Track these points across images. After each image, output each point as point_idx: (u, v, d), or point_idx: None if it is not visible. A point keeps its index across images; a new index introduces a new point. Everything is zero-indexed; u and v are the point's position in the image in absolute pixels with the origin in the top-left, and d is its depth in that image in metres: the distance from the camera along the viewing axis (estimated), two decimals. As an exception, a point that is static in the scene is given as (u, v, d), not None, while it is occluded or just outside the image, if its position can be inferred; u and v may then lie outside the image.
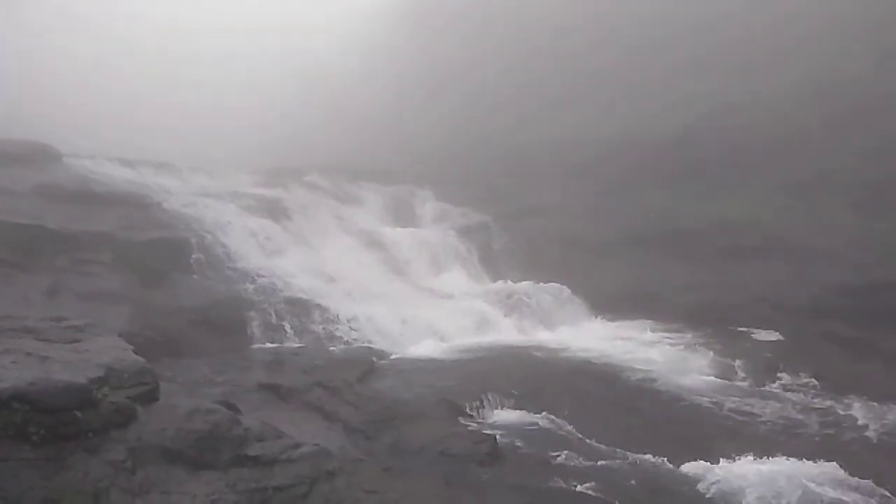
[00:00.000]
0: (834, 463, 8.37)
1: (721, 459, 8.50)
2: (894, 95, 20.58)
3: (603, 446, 8.99)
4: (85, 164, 19.94)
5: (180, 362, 11.44)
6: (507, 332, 16.09)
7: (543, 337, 16.01)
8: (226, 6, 54.81)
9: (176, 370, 10.69)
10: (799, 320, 16.11)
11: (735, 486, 7.81)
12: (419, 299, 17.28)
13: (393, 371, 12.29)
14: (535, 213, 23.99)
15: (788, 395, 11.78)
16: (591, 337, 15.92)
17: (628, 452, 8.74)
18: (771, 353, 14.17)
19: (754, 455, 8.63)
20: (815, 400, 11.39)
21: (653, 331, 16.29)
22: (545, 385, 11.47)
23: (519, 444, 8.91)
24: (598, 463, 8.39)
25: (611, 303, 18.22)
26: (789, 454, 8.67)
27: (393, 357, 13.43)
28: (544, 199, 24.55)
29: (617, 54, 32.00)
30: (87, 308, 11.42)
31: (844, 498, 7.65)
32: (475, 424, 9.70)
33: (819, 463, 8.41)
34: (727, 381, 12.39)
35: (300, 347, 13.42)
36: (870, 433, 9.88)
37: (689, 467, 8.34)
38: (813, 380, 12.30)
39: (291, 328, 14.06)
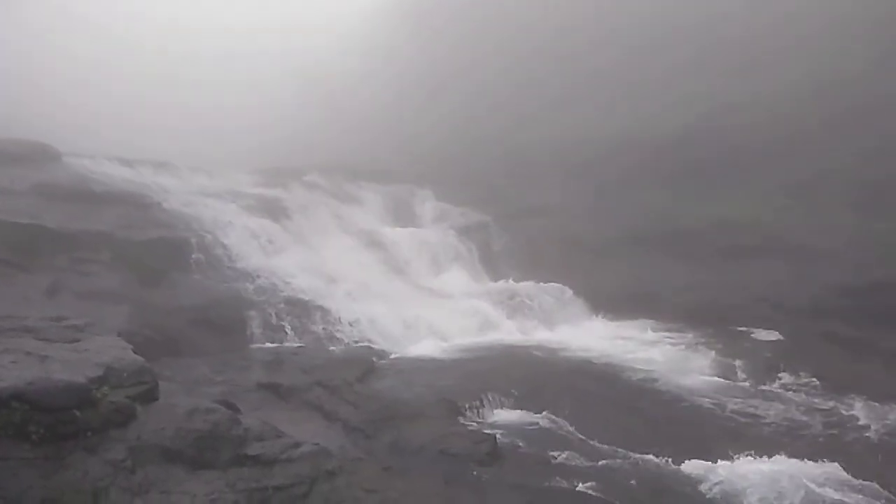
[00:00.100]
0: (836, 464, 8.35)
1: (722, 459, 8.49)
2: (894, 95, 20.57)
3: (603, 446, 8.98)
4: (84, 164, 19.91)
5: (180, 362, 11.42)
6: (507, 332, 16.08)
7: (543, 336, 15.99)
8: (226, 6, 54.81)
9: (175, 369, 10.67)
10: (799, 320, 16.10)
11: (737, 486, 7.80)
12: (419, 299, 17.27)
13: (393, 371, 12.28)
14: (535, 212, 23.98)
15: (789, 394, 11.76)
16: (591, 336, 15.91)
17: (629, 452, 8.73)
18: (771, 352, 14.16)
19: (756, 455, 8.62)
20: (817, 400, 11.36)
21: (653, 330, 16.29)
22: (545, 385, 11.46)
23: (519, 443, 8.91)
24: (599, 463, 8.38)
25: (611, 302, 18.20)
26: (791, 454, 8.66)
27: (393, 357, 13.42)
28: (544, 199, 24.54)
29: (617, 54, 31.99)
30: (87, 307, 11.40)
31: (847, 500, 7.64)
32: (475, 424, 9.70)
33: (821, 463, 8.40)
34: (728, 381, 12.38)
35: (300, 347, 13.40)
36: (872, 433, 9.86)
37: (691, 467, 8.33)
38: (814, 380, 12.28)
39: (291, 328, 14.04)
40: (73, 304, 11.88)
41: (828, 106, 21.88)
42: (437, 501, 6.57)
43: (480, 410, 10.29)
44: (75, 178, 17.82)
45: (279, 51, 48.39)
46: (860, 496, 7.75)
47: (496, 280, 20.28)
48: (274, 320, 14.04)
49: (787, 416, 10.54)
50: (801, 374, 12.56)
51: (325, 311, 14.67)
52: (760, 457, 8.59)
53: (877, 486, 7.91)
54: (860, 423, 10.29)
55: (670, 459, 8.51)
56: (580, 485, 7.63)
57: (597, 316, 18.06)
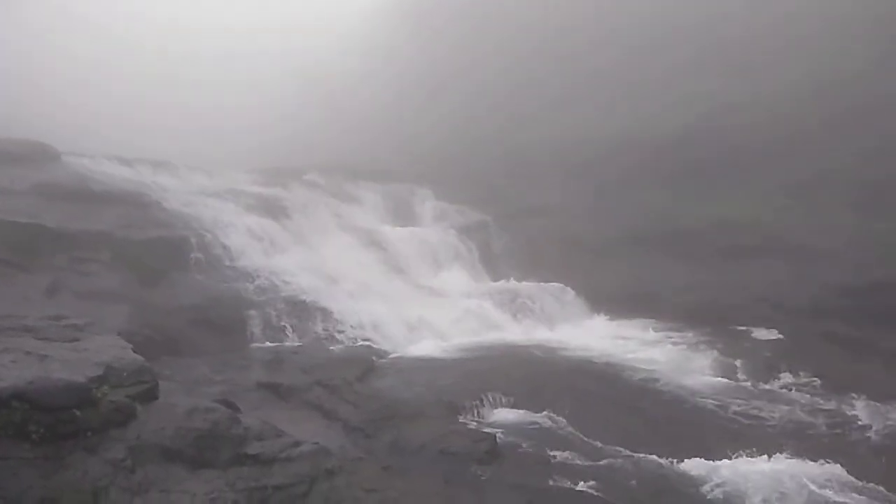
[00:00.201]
0: (838, 465, 8.35)
1: (723, 459, 8.49)
2: (894, 95, 20.56)
3: (604, 445, 8.98)
4: (83, 163, 19.91)
5: (179, 361, 11.42)
6: (507, 332, 16.06)
7: (544, 336, 15.96)
8: (226, 6, 54.82)
9: (175, 369, 10.67)
10: (799, 320, 16.09)
11: (738, 486, 7.80)
12: (419, 298, 17.26)
13: (393, 370, 12.28)
14: (535, 212, 23.97)
15: (790, 394, 11.74)
16: (591, 336, 15.90)
17: (629, 451, 8.73)
18: (771, 352, 14.15)
19: (757, 455, 8.62)
20: (817, 399, 11.34)
21: (654, 330, 16.28)
22: (545, 384, 11.45)
23: (519, 442, 8.91)
24: (599, 462, 8.38)
25: (611, 302, 18.20)
26: (792, 454, 8.66)
27: (393, 356, 13.42)
28: (544, 199, 24.53)
29: (617, 54, 31.97)
30: (86, 307, 11.40)
31: (850, 502, 7.63)
32: (475, 423, 9.70)
33: (823, 464, 8.40)
34: (728, 381, 12.36)
35: (300, 346, 13.40)
36: (873, 434, 9.84)
37: (692, 467, 8.32)
38: (814, 379, 12.27)
39: (291, 327, 14.04)
40: (72, 303, 11.88)
41: (828, 106, 21.87)
42: (437, 501, 6.57)
43: (480, 410, 10.29)
44: (75, 178, 17.81)
45: (279, 51, 48.39)
46: (863, 498, 7.74)
47: (496, 280, 20.27)
48: (274, 320, 14.04)
49: (788, 415, 10.52)
50: (802, 373, 12.55)
51: (324, 311, 14.67)
52: (761, 457, 8.59)
53: (882, 489, 7.90)
54: (861, 423, 10.27)
55: (671, 459, 8.51)
56: (580, 484, 7.63)
57: (597, 315, 18.06)
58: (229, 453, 6.16)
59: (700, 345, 14.59)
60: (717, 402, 10.99)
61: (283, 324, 14.05)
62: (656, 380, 11.99)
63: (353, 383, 10.61)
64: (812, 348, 14.33)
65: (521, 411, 10.24)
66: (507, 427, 9.54)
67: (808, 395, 11.59)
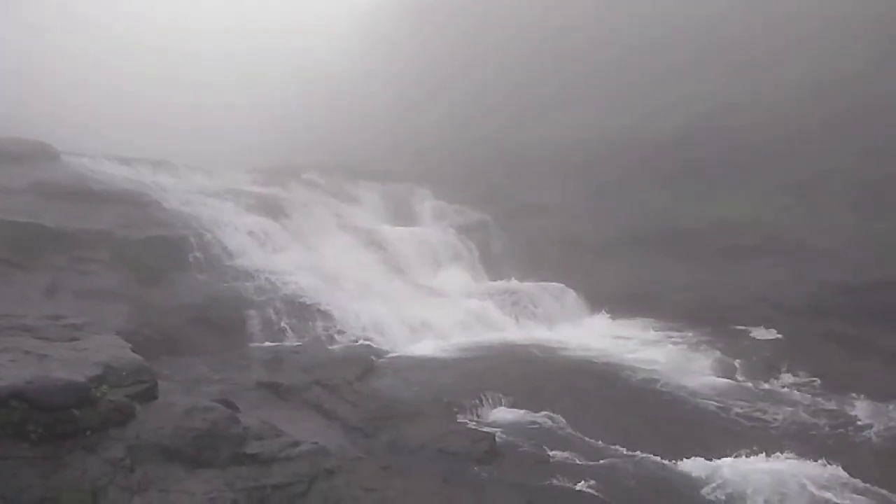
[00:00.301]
0: (839, 465, 8.36)
1: (723, 459, 8.49)
2: (894, 95, 20.56)
3: (603, 445, 8.98)
4: (83, 162, 19.91)
5: (179, 361, 11.41)
6: (506, 331, 16.06)
7: (543, 336, 15.96)
8: (226, 6, 54.85)
9: (174, 368, 10.67)
10: (799, 319, 16.08)
11: (739, 486, 7.80)
12: (418, 298, 17.26)
13: (392, 370, 12.27)
14: (534, 212, 23.98)
15: (790, 394, 11.75)
16: (591, 336, 15.90)
17: (629, 451, 8.73)
18: (771, 352, 14.16)
19: (757, 455, 8.63)
20: (817, 399, 11.35)
21: (654, 329, 16.28)
22: (545, 384, 11.44)
23: (518, 442, 8.90)
24: (598, 462, 8.37)
25: (611, 302, 18.20)
26: (793, 454, 8.68)
27: (392, 355, 13.40)
28: (544, 199, 24.54)
29: (617, 54, 31.98)
30: (86, 306, 11.40)
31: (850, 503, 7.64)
32: (474, 423, 9.69)
33: (824, 464, 8.40)
34: (728, 380, 12.36)
35: (299, 346, 13.39)
36: (874, 434, 9.83)
37: (692, 467, 8.32)
38: (814, 379, 12.28)
39: (290, 327, 14.04)
40: (71, 302, 11.88)
41: (828, 106, 21.87)
42: (436, 500, 6.57)
43: (479, 409, 10.28)
44: (74, 177, 17.81)
45: (279, 51, 48.43)
46: (863, 499, 7.74)
47: (496, 279, 20.26)
48: (273, 319, 14.03)
49: (788, 415, 10.52)
50: (802, 373, 12.57)
51: (324, 311, 14.65)
52: (762, 456, 8.59)
53: (884, 491, 7.88)
54: (861, 423, 10.27)
55: (671, 459, 8.50)
56: (579, 484, 7.63)
57: (597, 315, 18.05)
58: (228, 453, 6.16)
59: (700, 344, 14.59)
60: (717, 402, 10.98)
61: (282, 323, 14.04)
62: (656, 380, 11.97)
63: (353, 383, 10.61)
64: (812, 348, 14.33)
65: (520, 411, 10.22)
66: (507, 427, 9.53)
67: (808, 395, 11.60)
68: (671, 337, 15.57)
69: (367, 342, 14.04)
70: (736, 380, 12.47)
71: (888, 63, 21.59)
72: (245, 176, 24.64)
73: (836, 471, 8.26)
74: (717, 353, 13.68)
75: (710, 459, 8.49)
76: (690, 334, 15.71)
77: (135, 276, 13.95)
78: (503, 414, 10.21)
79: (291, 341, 13.69)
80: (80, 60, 45.00)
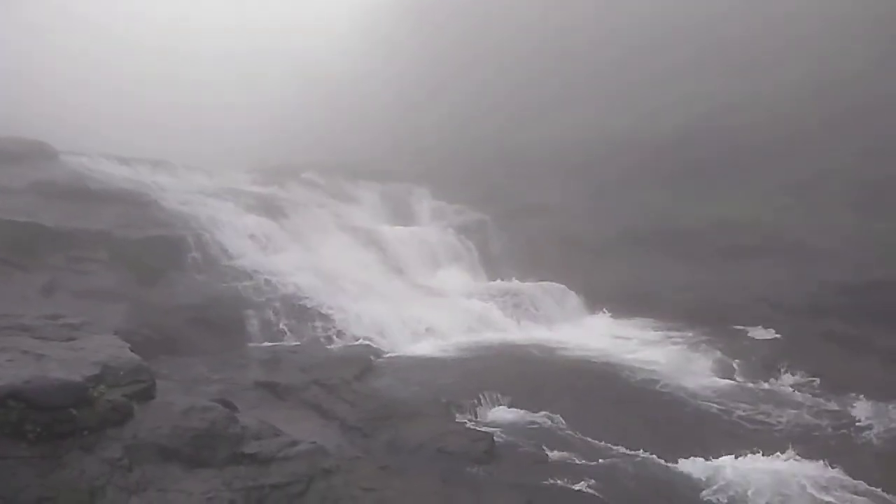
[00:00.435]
0: (839, 466, 8.35)
1: (723, 460, 8.48)
2: (894, 95, 20.57)
3: (602, 445, 8.96)
4: (81, 162, 19.90)
5: (177, 360, 11.40)
6: (505, 331, 16.05)
7: (542, 335, 15.95)
8: (226, 6, 54.84)
9: (172, 368, 10.64)
10: (798, 319, 16.08)
11: (739, 487, 7.79)
12: (417, 297, 17.25)
13: (390, 369, 12.26)
14: (534, 212, 23.98)
15: (790, 394, 11.72)
16: (590, 335, 15.89)
17: (628, 451, 8.72)
18: (770, 352, 14.14)
19: (756, 455, 8.61)
20: (817, 399, 11.32)
21: (653, 329, 16.28)
22: (544, 383, 11.43)
23: (517, 442, 8.89)
24: (598, 462, 8.36)
25: (610, 302, 18.20)
26: (794, 455, 8.65)
27: (391, 355, 13.39)
28: (544, 199, 24.55)
29: (617, 54, 31.99)
30: (84, 306, 11.38)
31: (850, 505, 7.64)
32: (473, 423, 9.68)
33: (824, 465, 8.39)
34: (727, 380, 12.34)
35: (298, 346, 13.39)
36: (874, 435, 9.79)
37: (691, 467, 8.31)
38: (814, 379, 12.25)
39: (289, 326, 14.03)
40: (70, 302, 11.86)
41: (828, 106, 21.88)
42: (435, 500, 6.56)
43: (478, 409, 10.27)
44: (73, 177, 17.79)
45: (279, 50, 48.42)
46: (864, 500, 7.73)
47: (495, 279, 20.24)
48: (272, 319, 14.03)
49: (788, 416, 10.49)
50: (801, 373, 12.54)
51: (323, 310, 14.65)
52: (762, 457, 8.58)
53: (884, 493, 7.86)
54: (862, 423, 10.23)
55: (670, 459, 8.49)
56: (578, 484, 7.61)
57: (596, 315, 18.05)
58: (226, 452, 6.15)
59: (700, 344, 14.56)
60: (716, 402, 10.96)
61: (281, 323, 14.04)
62: (656, 380, 11.94)
63: (351, 382, 10.60)
64: (811, 347, 14.32)
65: (519, 411, 10.22)
66: (505, 427, 9.52)
67: (808, 396, 11.57)
68: (671, 337, 15.56)
69: (366, 342, 14.04)
70: (735, 380, 12.44)
71: (888, 63, 21.59)
72: (244, 176, 24.64)
73: (837, 472, 8.25)
74: (717, 354, 13.65)
75: (710, 460, 8.48)
76: (690, 334, 15.71)
77: (133, 275, 13.94)
78: (502, 414, 10.20)
79: (290, 341, 13.68)
80: (80, 60, 44.97)
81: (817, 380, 12.20)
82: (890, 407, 10.66)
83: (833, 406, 10.95)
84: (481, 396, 10.52)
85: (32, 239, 13.68)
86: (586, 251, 21.21)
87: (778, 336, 15.48)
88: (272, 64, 47.67)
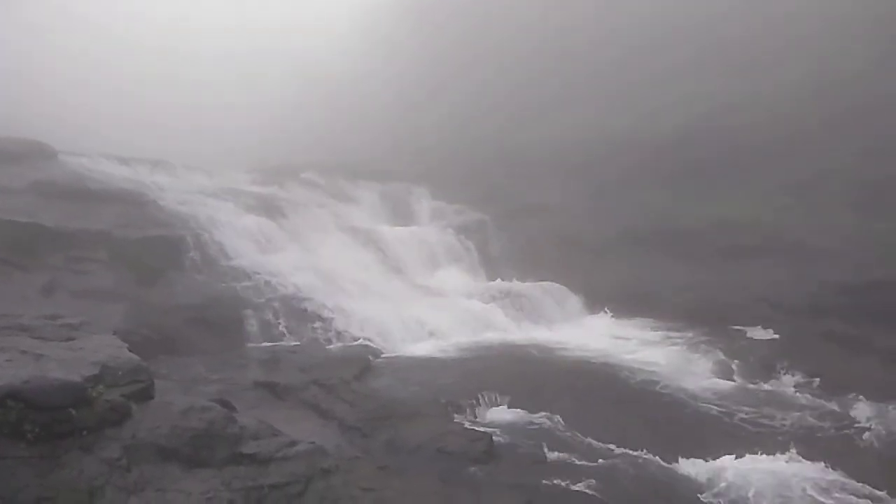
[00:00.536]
0: (839, 467, 8.35)
1: (724, 461, 8.47)
2: (894, 95, 20.57)
3: (601, 445, 8.95)
4: (81, 162, 19.92)
5: (176, 360, 11.41)
6: (505, 331, 16.03)
7: (541, 335, 15.95)
8: (226, 6, 54.86)
9: (171, 368, 10.66)
10: (798, 319, 16.06)
11: (740, 488, 7.78)
12: (416, 297, 17.25)
13: (390, 369, 12.26)
14: (533, 212, 23.97)
15: (790, 395, 11.70)
16: (590, 336, 15.87)
17: (627, 451, 8.70)
18: (770, 352, 14.11)
19: (757, 456, 8.60)
20: (817, 400, 11.28)
21: (653, 330, 16.27)
22: (543, 384, 11.42)
23: (516, 442, 8.88)
24: (597, 462, 8.35)
25: (610, 302, 18.20)
26: (795, 456, 8.65)
27: (390, 355, 13.40)
28: (543, 199, 24.54)
29: (617, 54, 31.99)
30: (83, 306, 11.39)
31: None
32: (472, 423, 9.67)
33: (824, 466, 8.39)
34: (727, 381, 12.33)
35: (297, 345, 13.40)
36: (874, 436, 9.77)
37: (691, 468, 8.31)
38: (813, 379, 12.21)
39: (288, 326, 14.04)
40: (69, 302, 11.87)
41: (828, 106, 21.88)
42: (434, 500, 6.55)
43: (477, 409, 10.27)
44: (72, 177, 17.81)
45: (279, 50, 48.43)
46: (864, 501, 7.73)
47: (494, 279, 20.23)
48: (271, 319, 14.04)
49: (788, 416, 10.46)
50: (801, 373, 12.51)
51: (321, 310, 14.65)
52: (761, 458, 8.58)
53: (885, 494, 7.86)
54: (862, 424, 10.21)
55: (670, 459, 8.48)
56: (577, 484, 7.61)
57: (596, 315, 18.04)
58: (225, 452, 6.15)
59: (699, 345, 14.55)
60: (716, 403, 10.95)
61: (279, 323, 14.05)
62: (655, 380, 11.93)
63: (350, 382, 10.59)
64: (810, 348, 14.29)
65: (518, 411, 10.21)
66: (505, 427, 9.51)
67: (808, 396, 11.54)
68: (670, 337, 15.55)
69: (365, 342, 14.04)
70: (735, 380, 12.42)
71: (888, 63, 21.60)
72: (244, 176, 24.65)
73: (838, 474, 8.24)
74: (717, 354, 13.64)
75: (710, 461, 8.47)
76: (690, 334, 15.69)
77: (132, 275, 13.95)
78: (501, 414, 10.20)
79: (289, 341, 13.69)
80: (80, 60, 44.99)
81: (817, 380, 12.17)
82: (890, 408, 10.63)
83: (833, 407, 10.93)
84: (480, 397, 10.52)
85: (32, 239, 13.69)
86: (586, 251, 21.20)
87: (777, 336, 15.47)
88: (272, 64, 47.69)
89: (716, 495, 7.70)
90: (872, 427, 10.02)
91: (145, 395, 6.48)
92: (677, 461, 8.46)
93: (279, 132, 41.43)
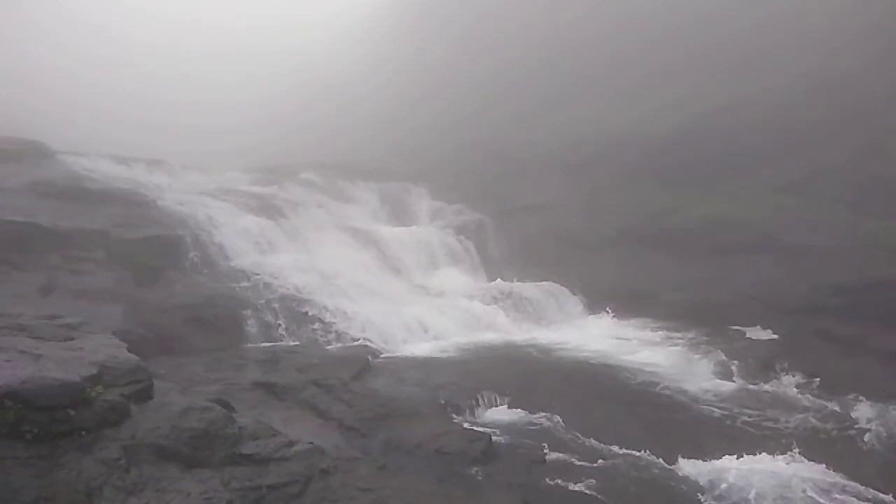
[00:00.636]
0: (839, 467, 8.37)
1: (724, 461, 8.48)
2: (889, 95, 20.61)
3: (600, 445, 8.95)
4: (78, 161, 19.89)
5: (174, 360, 11.41)
6: (503, 331, 16.06)
7: (539, 335, 15.97)
8: (226, 6, 54.86)
9: (170, 368, 10.64)
10: (793, 318, 16.07)
11: (740, 489, 7.80)
12: (415, 297, 17.27)
13: (388, 369, 12.26)
14: (531, 211, 23.98)
15: (789, 395, 11.68)
16: (588, 335, 15.89)
17: (626, 451, 8.71)
18: (767, 351, 14.12)
19: (759, 457, 8.62)
20: (818, 401, 11.27)
21: (650, 329, 16.29)
22: (541, 383, 11.44)
23: (514, 442, 8.90)
24: (596, 462, 8.36)
25: (608, 301, 18.21)
26: (795, 457, 8.67)
27: (388, 355, 13.40)
28: (541, 198, 24.55)
29: (614, 54, 32.02)
30: (81, 306, 11.39)
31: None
32: (470, 423, 9.68)
33: (824, 466, 8.41)
34: (726, 381, 12.32)
35: (295, 346, 13.39)
36: (874, 436, 9.77)
37: (692, 469, 8.31)
38: (813, 379, 12.19)
39: (286, 326, 14.04)
40: (67, 302, 11.85)
41: (823, 105, 21.92)
42: (432, 500, 6.55)
43: (476, 409, 10.28)
44: (69, 176, 17.80)
45: (278, 50, 48.45)
46: (864, 502, 7.75)
47: (493, 279, 20.24)
48: (269, 319, 14.04)
49: (788, 417, 10.45)
50: (800, 373, 12.50)
51: (320, 310, 14.65)
52: (763, 459, 8.59)
53: (886, 496, 7.88)
54: (863, 425, 10.20)
55: (670, 460, 8.49)
56: (576, 484, 7.62)
57: (594, 315, 18.06)
58: (224, 453, 6.14)
59: (697, 345, 14.55)
60: (716, 404, 10.95)
61: (278, 323, 14.05)
62: (656, 381, 11.93)
63: (349, 383, 10.60)
64: (807, 347, 14.30)
65: (517, 411, 10.22)
66: (504, 427, 9.52)
67: (808, 397, 11.52)
68: (669, 337, 15.55)
69: (364, 342, 14.03)
70: (734, 381, 12.41)
71: (886, 63, 21.64)
72: (242, 175, 24.65)
73: (839, 475, 8.26)
74: (717, 355, 13.59)
75: (711, 462, 8.48)
76: (688, 334, 15.70)
77: (131, 275, 13.93)
78: (500, 414, 10.20)
79: (288, 341, 13.69)
80: (81, 60, 44.98)
81: (817, 380, 12.15)
82: (891, 408, 10.63)
83: (834, 408, 10.92)
84: (480, 397, 10.53)
85: (30, 239, 13.67)
86: (584, 250, 21.22)
87: (775, 336, 15.49)
88: (271, 63, 47.68)
89: (717, 496, 7.71)
90: (873, 428, 10.02)
91: (144, 395, 6.48)
92: (678, 462, 8.47)
93: (277, 130, 41.43)
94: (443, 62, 40.34)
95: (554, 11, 36.56)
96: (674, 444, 9.05)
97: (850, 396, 11.20)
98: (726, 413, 10.58)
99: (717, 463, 8.45)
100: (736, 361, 13.24)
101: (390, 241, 20.62)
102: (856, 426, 10.21)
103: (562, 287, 18.69)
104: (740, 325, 16.33)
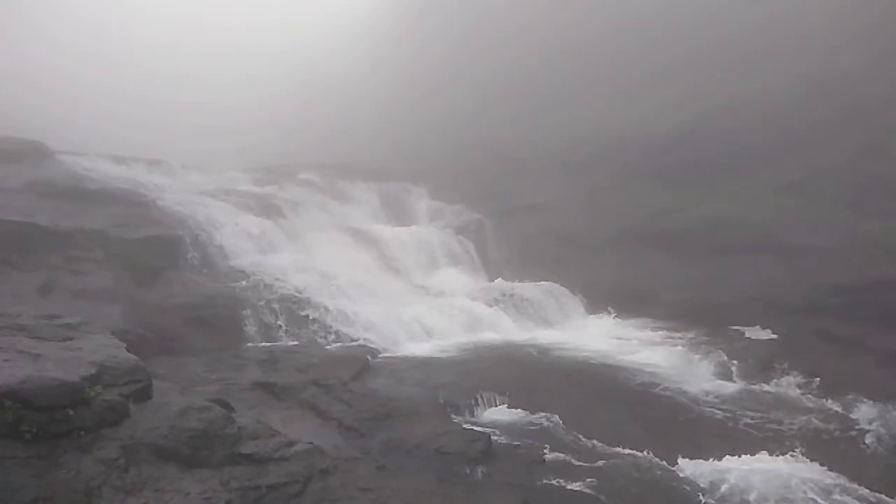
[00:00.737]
0: (839, 467, 8.35)
1: (724, 461, 8.46)
2: (889, 95, 20.61)
3: (599, 445, 8.94)
4: (77, 161, 19.88)
5: (174, 360, 11.40)
6: (502, 330, 16.06)
7: (539, 335, 15.96)
8: (226, 6, 54.89)
9: (169, 368, 10.63)
10: (793, 318, 16.07)
11: (740, 489, 7.78)
12: (414, 297, 17.26)
13: (388, 369, 12.25)
14: (530, 210, 23.98)
15: (790, 395, 11.68)
16: (587, 335, 15.89)
17: (625, 451, 8.71)
18: (767, 352, 14.12)
19: (760, 457, 8.60)
20: (818, 401, 11.28)
21: (650, 329, 16.29)
22: (541, 383, 11.43)
23: (514, 442, 8.89)
24: (596, 462, 8.35)
25: (607, 300, 18.23)
26: (796, 457, 8.66)
27: (388, 355, 13.39)
28: (540, 197, 24.55)
29: (613, 54, 32.02)
30: (80, 306, 11.38)
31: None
32: (469, 423, 9.67)
33: (824, 467, 8.39)
34: (726, 381, 12.33)
35: (295, 346, 13.38)
36: (874, 437, 9.77)
37: (692, 469, 8.30)
38: (813, 379, 12.18)
39: (286, 326, 14.03)
40: (66, 302, 11.84)
41: (824, 105, 21.93)
42: (432, 500, 6.54)
43: (475, 409, 10.28)
44: (69, 176, 17.79)
45: (277, 50, 48.45)
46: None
47: (493, 279, 20.24)
48: (268, 319, 14.03)
49: (789, 417, 10.44)
50: (799, 373, 12.49)
51: (320, 310, 14.64)
52: (763, 459, 8.57)
53: (885, 496, 7.86)
54: (863, 426, 10.19)
55: (670, 461, 8.48)
56: (575, 484, 7.61)
57: (593, 314, 18.06)
58: (223, 452, 6.13)
59: (698, 345, 14.54)
60: (717, 404, 10.94)
61: (278, 323, 14.04)
62: (653, 380, 11.93)
63: (348, 382, 10.59)
64: (807, 347, 14.29)
65: (516, 411, 10.22)
66: (503, 427, 9.51)
67: (809, 397, 11.53)
68: (670, 337, 15.56)
69: (363, 341, 14.03)
70: (734, 381, 12.42)
71: (886, 63, 21.64)
72: (242, 175, 24.64)
73: (840, 476, 8.24)
74: (718, 355, 13.57)
75: (712, 462, 8.46)
76: (688, 334, 15.70)
77: (130, 275, 13.92)
78: (500, 414, 10.20)
79: (287, 341, 13.68)
80: (81, 60, 44.99)
81: (817, 380, 12.14)
82: (891, 408, 10.61)
83: (835, 408, 10.92)
84: (479, 397, 10.53)
85: (29, 238, 13.66)
86: (583, 250, 21.23)
87: (775, 336, 15.48)
88: (271, 63, 47.68)
89: (717, 498, 7.69)
90: (874, 428, 10.02)
91: (143, 395, 6.47)
92: (678, 462, 8.45)
93: (277, 130, 41.43)
94: (443, 62, 40.33)
95: (554, 11, 36.56)
96: (674, 444, 9.03)
97: (851, 396, 11.19)
98: (727, 413, 10.57)
99: (718, 463, 8.43)
100: (736, 361, 13.23)
101: (390, 241, 20.62)
102: (856, 427, 10.19)
103: (562, 287, 18.68)
104: (740, 325, 16.33)
